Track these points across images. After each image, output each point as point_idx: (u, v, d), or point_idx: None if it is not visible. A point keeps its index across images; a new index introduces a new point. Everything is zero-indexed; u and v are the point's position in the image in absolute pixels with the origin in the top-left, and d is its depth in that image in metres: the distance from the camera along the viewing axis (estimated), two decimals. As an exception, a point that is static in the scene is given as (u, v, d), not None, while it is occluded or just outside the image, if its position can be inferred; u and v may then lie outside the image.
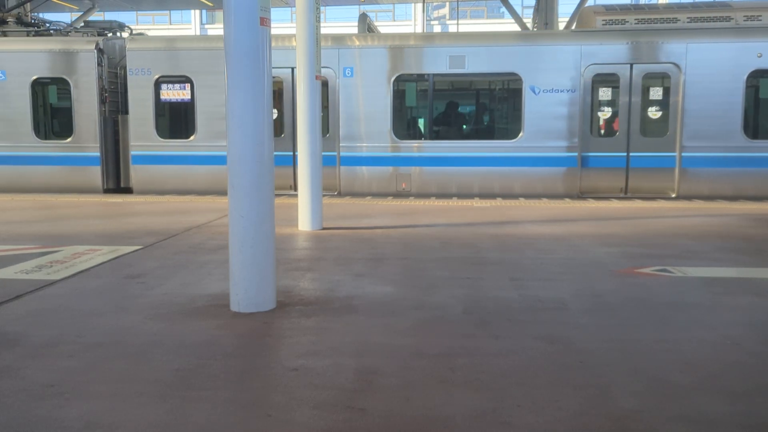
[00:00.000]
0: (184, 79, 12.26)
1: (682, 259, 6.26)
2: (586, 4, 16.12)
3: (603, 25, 11.87)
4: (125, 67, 12.58)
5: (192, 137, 12.31)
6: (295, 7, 8.25)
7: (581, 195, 11.88)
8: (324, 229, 8.04)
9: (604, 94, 11.84)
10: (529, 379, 3.27)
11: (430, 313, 4.45)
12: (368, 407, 2.94)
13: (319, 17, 8.05)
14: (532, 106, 11.73)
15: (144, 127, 12.30)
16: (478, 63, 11.85)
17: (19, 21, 14.17)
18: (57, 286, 5.20)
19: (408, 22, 37.47)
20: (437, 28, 37.60)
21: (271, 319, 4.31)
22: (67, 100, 12.54)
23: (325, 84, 12.05)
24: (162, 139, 12.37)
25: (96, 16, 21.21)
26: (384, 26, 33.80)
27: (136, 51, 12.32)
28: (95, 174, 12.56)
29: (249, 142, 4.37)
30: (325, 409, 2.92)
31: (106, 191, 12.62)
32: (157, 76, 12.24)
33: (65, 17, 28.39)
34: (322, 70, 12.04)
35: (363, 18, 14.46)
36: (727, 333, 4.02)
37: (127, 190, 12.75)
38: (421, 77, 12.05)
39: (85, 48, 12.46)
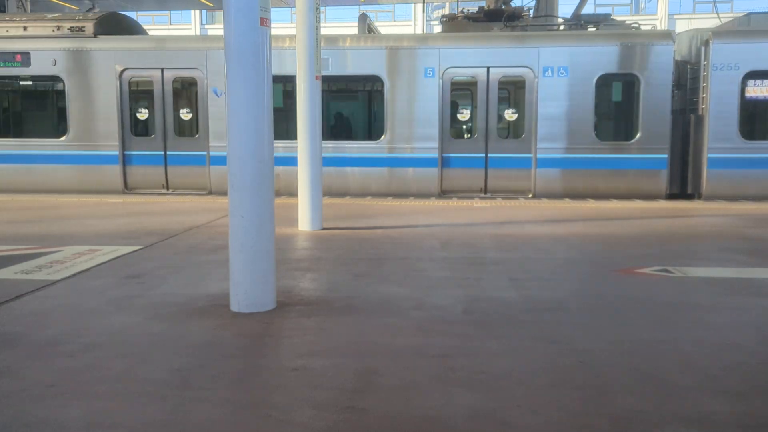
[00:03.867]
0: None
1: (682, 259, 6.26)
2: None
3: None
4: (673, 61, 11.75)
5: None
6: (295, 7, 8.25)
7: None
8: (324, 229, 8.04)
9: None
10: (529, 379, 3.27)
11: (430, 313, 4.45)
12: (368, 407, 2.94)
13: (319, 17, 8.04)
14: None
15: (726, 128, 11.27)
16: None
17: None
18: (57, 286, 5.20)
19: (408, 23, 37.47)
20: (437, 29, 37.59)
21: (271, 319, 4.31)
22: (632, 98, 11.68)
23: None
24: (746, 141, 11.33)
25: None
26: (384, 26, 33.80)
27: (723, 45, 11.28)
28: (659, 178, 11.61)
29: (249, 142, 4.38)
30: (325, 409, 2.92)
31: (669, 197, 11.69)
32: (745, 72, 11.20)
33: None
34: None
35: (363, 18, 14.45)
36: (727, 333, 4.02)
37: (690, 196, 11.78)
38: None
39: (662, 41, 11.50)
